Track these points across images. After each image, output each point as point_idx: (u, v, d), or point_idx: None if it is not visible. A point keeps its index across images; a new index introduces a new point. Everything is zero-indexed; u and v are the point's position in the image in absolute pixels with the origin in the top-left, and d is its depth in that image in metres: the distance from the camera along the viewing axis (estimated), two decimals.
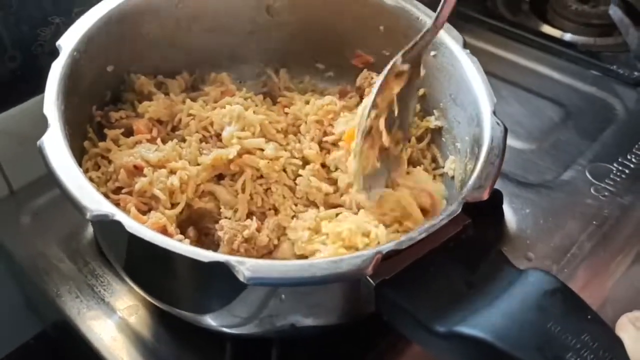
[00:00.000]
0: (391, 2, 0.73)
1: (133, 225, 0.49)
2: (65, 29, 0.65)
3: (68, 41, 0.64)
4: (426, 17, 0.71)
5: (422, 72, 0.65)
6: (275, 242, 0.62)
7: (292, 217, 0.65)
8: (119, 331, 0.66)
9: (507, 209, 0.80)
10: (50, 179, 0.53)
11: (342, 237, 0.59)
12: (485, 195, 0.55)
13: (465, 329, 0.46)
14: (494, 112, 0.61)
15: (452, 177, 0.69)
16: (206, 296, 0.56)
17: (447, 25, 0.70)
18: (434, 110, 0.74)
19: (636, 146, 0.89)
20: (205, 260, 0.47)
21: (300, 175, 0.68)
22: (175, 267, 0.53)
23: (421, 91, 0.75)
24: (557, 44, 1.07)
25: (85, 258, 0.72)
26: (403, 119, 0.66)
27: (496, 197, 0.79)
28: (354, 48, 0.79)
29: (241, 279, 0.47)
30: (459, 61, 0.67)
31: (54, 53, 0.62)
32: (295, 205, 0.67)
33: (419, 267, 0.51)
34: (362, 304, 0.53)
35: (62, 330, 0.69)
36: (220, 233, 0.61)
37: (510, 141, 0.89)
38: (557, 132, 0.93)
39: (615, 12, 1.07)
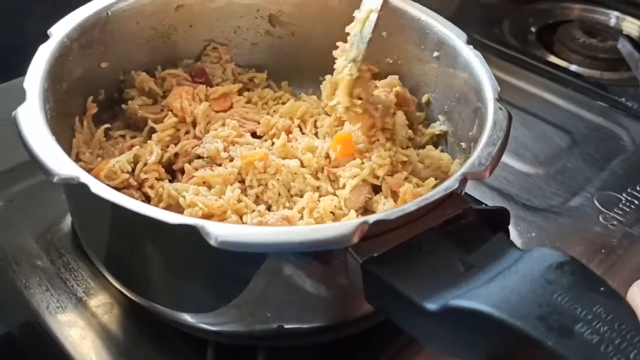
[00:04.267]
0: (391, 4, 0.71)
1: (99, 187, 0.46)
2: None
3: (60, 29, 0.63)
4: (427, 16, 0.69)
5: None
6: None
7: None
8: (90, 329, 0.61)
9: (512, 231, 0.76)
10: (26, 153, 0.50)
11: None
12: (486, 174, 0.50)
13: (460, 302, 0.41)
14: (498, 100, 0.57)
15: None
16: (177, 275, 0.51)
17: (448, 23, 0.68)
18: (439, 116, 0.70)
19: None
20: (172, 221, 0.43)
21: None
22: (143, 236, 0.49)
23: (425, 97, 0.72)
24: (564, 73, 1.06)
25: (60, 250, 0.68)
26: None
27: (503, 216, 0.74)
28: None
29: (212, 242, 0.43)
30: (463, 57, 0.64)
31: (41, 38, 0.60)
32: (289, 203, 0.63)
33: (410, 245, 0.47)
34: (351, 294, 0.48)
35: (29, 329, 0.63)
36: None
37: (516, 163, 0.88)
38: (564, 158, 0.90)
39: (624, 46, 1.06)
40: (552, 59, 1.12)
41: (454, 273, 0.45)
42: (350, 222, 0.45)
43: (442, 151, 0.69)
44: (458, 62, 0.65)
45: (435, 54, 0.68)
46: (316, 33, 0.77)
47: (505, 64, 1.07)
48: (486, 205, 0.76)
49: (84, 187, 0.46)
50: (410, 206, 0.47)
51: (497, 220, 0.74)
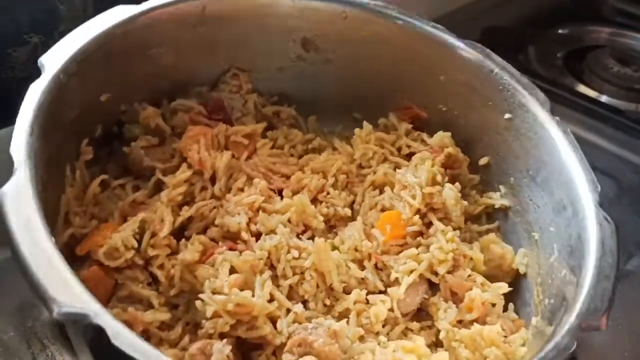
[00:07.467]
0: (462, 47, 0.60)
1: (121, 333, 0.34)
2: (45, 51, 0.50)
3: (54, 60, 0.49)
4: (501, 70, 0.58)
5: None
6: None
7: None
8: None
9: None
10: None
11: None
12: (603, 324, 0.40)
13: None
14: (600, 205, 0.47)
15: (525, 274, 0.55)
16: None
17: (529, 84, 0.57)
18: (500, 186, 0.60)
19: None
20: None
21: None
22: None
23: (483, 160, 0.61)
24: (599, 107, 0.94)
25: (43, 340, 0.55)
26: None
27: None
28: (402, 98, 0.65)
29: None
30: (546, 130, 0.54)
31: (29, 78, 0.47)
32: (329, 299, 0.52)
33: None
34: None
35: None
36: None
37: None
38: (611, 210, 0.78)
39: None
40: (582, 89, 1.01)
41: None
42: None
43: (498, 227, 0.60)
44: (538, 134, 0.55)
45: (507, 115, 0.58)
46: (353, 63, 0.66)
47: None
48: None
49: (99, 331, 0.34)
50: None
51: None
